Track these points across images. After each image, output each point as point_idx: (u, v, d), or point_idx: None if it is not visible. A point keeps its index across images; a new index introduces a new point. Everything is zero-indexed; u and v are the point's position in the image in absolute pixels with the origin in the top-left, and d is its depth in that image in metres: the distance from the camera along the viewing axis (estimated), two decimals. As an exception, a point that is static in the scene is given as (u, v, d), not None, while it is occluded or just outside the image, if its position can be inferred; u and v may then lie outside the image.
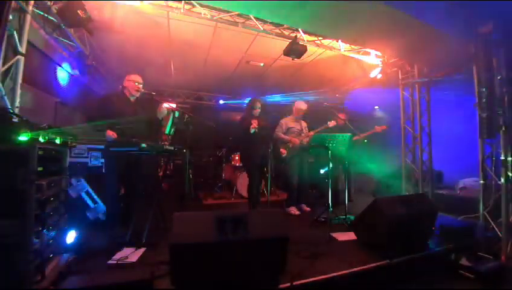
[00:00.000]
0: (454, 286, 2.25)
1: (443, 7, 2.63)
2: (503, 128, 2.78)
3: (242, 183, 4.95)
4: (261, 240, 1.69)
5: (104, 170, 3.03)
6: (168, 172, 4.90)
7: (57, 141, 1.89)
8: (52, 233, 1.79)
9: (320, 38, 4.04)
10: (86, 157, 3.48)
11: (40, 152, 1.60)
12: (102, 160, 3.27)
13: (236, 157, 5.57)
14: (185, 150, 2.99)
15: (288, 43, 3.74)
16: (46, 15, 2.91)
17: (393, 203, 2.46)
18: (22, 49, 2.41)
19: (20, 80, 2.39)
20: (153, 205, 2.61)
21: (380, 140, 4.78)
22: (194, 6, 3.25)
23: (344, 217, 3.29)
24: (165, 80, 5.97)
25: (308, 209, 4.08)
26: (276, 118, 4.27)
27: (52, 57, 3.61)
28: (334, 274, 1.96)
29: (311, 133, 3.98)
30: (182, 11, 3.18)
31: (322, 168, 5.24)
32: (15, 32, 2.33)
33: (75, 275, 1.83)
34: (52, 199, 1.77)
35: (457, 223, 3.20)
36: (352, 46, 4.26)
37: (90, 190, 3.28)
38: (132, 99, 2.93)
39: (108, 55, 4.50)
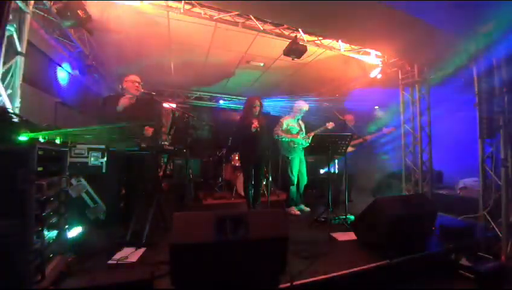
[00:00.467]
0: (454, 286, 2.25)
1: (443, 7, 2.63)
2: (503, 128, 2.78)
3: (242, 183, 4.95)
4: (261, 240, 1.69)
5: (104, 170, 3.04)
6: (168, 172, 4.90)
7: (57, 141, 1.89)
8: (52, 233, 1.79)
9: (320, 38, 4.04)
10: (86, 157, 3.47)
11: (40, 152, 1.60)
12: (103, 160, 3.27)
13: (236, 158, 5.57)
14: (185, 150, 2.99)
15: (288, 43, 3.74)
16: (46, 15, 2.91)
17: (393, 203, 2.46)
18: (22, 49, 2.41)
19: (20, 80, 2.39)
20: (153, 205, 2.61)
21: (381, 140, 4.79)
22: (194, 6, 3.25)
23: (344, 217, 3.29)
24: (165, 80, 5.97)
25: (307, 209, 4.08)
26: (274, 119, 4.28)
27: (52, 57, 3.61)
28: (334, 274, 1.96)
29: (311, 134, 3.98)
30: (181, 11, 3.18)
31: (322, 168, 5.25)
32: (15, 32, 2.33)
33: (75, 275, 1.82)
34: (52, 199, 1.77)
35: (457, 223, 3.20)
36: (352, 46, 4.26)
37: (90, 190, 3.28)
38: (133, 100, 2.94)
39: (108, 55, 4.50)
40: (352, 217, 3.30)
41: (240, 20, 3.48)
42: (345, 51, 4.25)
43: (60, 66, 3.86)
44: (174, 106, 4.03)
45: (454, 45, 3.26)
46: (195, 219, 1.71)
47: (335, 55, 4.50)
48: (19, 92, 2.38)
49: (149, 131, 2.87)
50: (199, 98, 7.21)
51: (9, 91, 2.31)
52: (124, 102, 2.78)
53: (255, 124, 3.50)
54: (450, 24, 2.89)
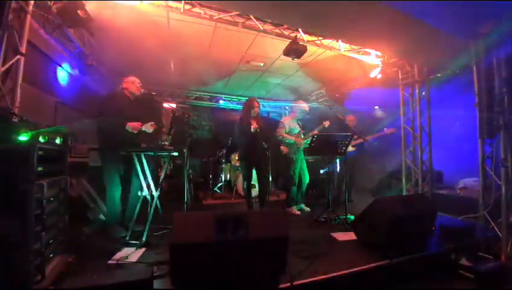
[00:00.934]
0: (454, 286, 2.25)
1: (443, 7, 2.62)
2: (503, 128, 2.78)
3: (242, 183, 4.95)
4: (261, 240, 1.69)
5: (104, 170, 3.04)
6: (168, 172, 4.89)
7: (57, 141, 1.89)
8: (52, 233, 1.79)
9: (320, 38, 4.03)
10: (86, 157, 3.48)
11: (40, 152, 1.60)
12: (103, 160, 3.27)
13: (236, 158, 5.58)
14: (185, 150, 2.99)
15: (288, 43, 3.73)
16: (46, 15, 2.91)
17: (393, 203, 2.46)
18: (22, 49, 2.41)
19: (20, 80, 2.39)
20: (153, 205, 2.61)
21: (380, 140, 4.79)
22: (194, 6, 3.25)
23: (344, 217, 3.29)
24: (165, 80, 5.97)
25: (308, 209, 4.08)
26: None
27: (52, 57, 3.61)
28: (334, 274, 1.96)
29: (315, 132, 3.99)
30: (181, 11, 3.17)
31: (322, 168, 5.25)
32: (15, 32, 2.33)
33: (75, 275, 1.82)
34: (52, 199, 1.77)
35: (457, 223, 3.20)
36: (352, 46, 4.25)
37: (91, 190, 3.28)
38: (132, 98, 2.95)
39: (108, 55, 4.49)
40: (352, 217, 3.30)
41: (240, 20, 3.48)
42: (345, 51, 4.24)
43: (60, 66, 3.86)
44: (174, 106, 4.03)
45: (454, 45, 3.26)
46: (195, 219, 1.71)
47: (335, 55, 4.49)
48: (19, 92, 2.38)
49: (151, 128, 2.85)
50: (199, 98, 7.20)
51: (9, 91, 2.31)
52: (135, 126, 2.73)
53: (254, 124, 3.50)
54: (450, 24, 2.89)
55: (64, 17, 2.87)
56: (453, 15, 2.70)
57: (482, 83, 2.90)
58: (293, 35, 3.71)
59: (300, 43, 3.72)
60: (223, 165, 5.96)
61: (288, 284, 1.76)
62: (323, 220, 3.31)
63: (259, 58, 4.91)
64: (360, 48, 4.29)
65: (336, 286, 1.94)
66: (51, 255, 1.77)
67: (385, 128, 4.43)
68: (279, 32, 3.75)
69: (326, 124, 3.97)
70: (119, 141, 2.64)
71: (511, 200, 2.73)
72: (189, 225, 1.64)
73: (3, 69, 2.23)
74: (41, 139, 1.65)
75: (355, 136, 3.98)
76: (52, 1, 2.89)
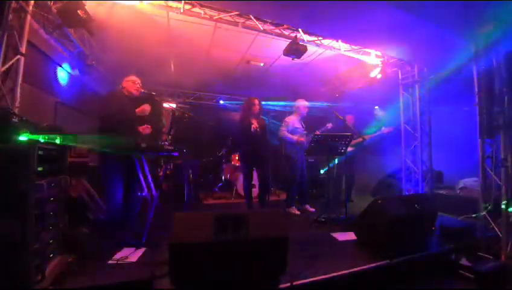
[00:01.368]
0: (454, 286, 2.25)
1: (443, 7, 2.62)
2: (503, 128, 2.78)
3: (242, 183, 4.95)
4: (261, 240, 1.69)
5: (104, 170, 3.04)
6: (168, 172, 4.90)
7: (57, 141, 1.89)
8: (52, 233, 1.79)
9: (320, 38, 4.03)
10: (86, 157, 3.48)
11: (40, 152, 1.60)
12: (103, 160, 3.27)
13: (236, 158, 5.58)
14: (185, 150, 3.00)
15: (288, 43, 3.73)
16: (46, 15, 2.91)
17: (393, 203, 2.46)
18: (22, 49, 2.41)
19: (20, 80, 2.39)
20: (153, 205, 2.61)
21: (380, 140, 4.79)
22: (194, 6, 3.25)
23: (344, 217, 3.29)
24: (165, 80, 5.97)
25: (312, 209, 4.07)
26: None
27: (52, 57, 3.61)
28: (334, 274, 1.96)
29: (318, 132, 4.00)
30: (181, 11, 3.17)
31: (322, 168, 5.25)
32: (15, 32, 2.33)
33: (75, 275, 1.82)
34: (52, 199, 1.77)
35: (457, 223, 3.20)
36: (352, 46, 4.25)
37: (90, 190, 3.28)
38: (132, 98, 2.95)
39: (108, 55, 4.50)
40: (352, 217, 3.30)
41: (240, 20, 3.48)
42: (345, 51, 4.24)
43: (60, 66, 3.86)
44: (174, 106, 4.03)
45: (454, 45, 3.26)
46: (195, 218, 1.71)
47: (335, 55, 4.49)
48: (19, 92, 2.38)
49: (147, 130, 2.86)
50: (199, 98, 7.20)
51: (9, 91, 2.31)
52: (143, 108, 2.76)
53: (255, 124, 3.50)
54: (450, 24, 2.89)
55: (64, 17, 2.87)
56: (453, 15, 2.70)
57: (482, 83, 2.90)
58: (293, 35, 3.71)
59: (300, 43, 3.72)
60: (223, 165, 5.96)
61: (288, 284, 1.76)
62: (323, 220, 3.31)
63: (259, 58, 4.91)
64: (360, 48, 4.29)
65: (336, 286, 1.94)
66: (51, 255, 1.77)
67: (383, 128, 4.42)
68: (279, 32, 3.75)
69: (330, 126, 3.98)
70: (119, 141, 2.64)
71: (511, 200, 2.73)
72: (189, 225, 1.64)
73: (3, 69, 2.23)
74: (41, 139, 1.65)
75: (355, 136, 3.98)
76: (52, 1, 2.89)
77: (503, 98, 2.76)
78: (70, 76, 4.15)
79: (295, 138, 3.94)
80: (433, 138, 4.27)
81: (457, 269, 2.37)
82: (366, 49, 4.36)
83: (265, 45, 4.26)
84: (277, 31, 3.73)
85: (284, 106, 7.92)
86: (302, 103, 4.13)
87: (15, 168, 1.43)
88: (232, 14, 3.38)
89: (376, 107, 5.97)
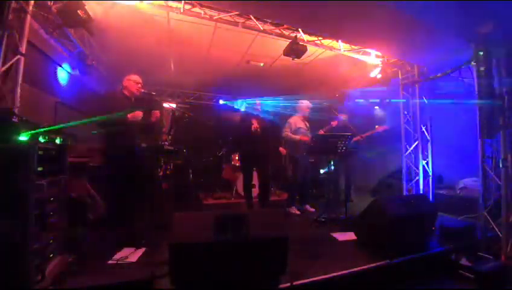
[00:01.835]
0: (454, 286, 2.25)
1: (443, 7, 2.62)
2: (503, 128, 2.78)
3: (242, 183, 4.95)
4: (261, 240, 1.69)
5: (104, 170, 3.04)
6: (168, 172, 4.90)
7: (57, 141, 1.89)
8: (52, 233, 1.79)
9: (320, 38, 4.03)
10: (86, 157, 3.47)
11: (40, 152, 1.60)
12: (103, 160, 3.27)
13: (236, 158, 5.57)
14: (185, 150, 2.99)
15: (288, 43, 3.73)
16: (46, 15, 2.91)
17: (393, 203, 2.46)
18: (22, 49, 2.41)
19: (20, 80, 2.39)
20: (153, 205, 2.61)
21: (380, 140, 4.79)
22: (194, 6, 3.25)
23: (344, 217, 3.29)
24: (165, 80, 5.97)
25: (312, 209, 4.08)
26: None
27: (52, 57, 3.61)
28: (334, 274, 1.96)
29: (322, 131, 4.01)
30: (181, 11, 3.17)
31: (323, 168, 5.25)
32: (15, 32, 2.33)
33: (75, 275, 1.83)
34: (52, 199, 1.77)
35: (457, 223, 3.20)
36: (352, 46, 4.25)
37: (90, 190, 3.27)
38: (133, 99, 2.95)
39: (108, 55, 4.50)
40: (352, 217, 3.30)
41: (240, 20, 3.48)
42: (345, 51, 4.24)
43: (60, 66, 3.85)
44: (174, 106, 4.03)
45: (454, 45, 3.26)
46: (195, 219, 1.71)
47: (335, 55, 4.49)
48: (19, 92, 2.38)
49: (138, 115, 2.79)
50: (199, 98, 7.20)
51: (9, 91, 2.31)
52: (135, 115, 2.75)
53: (255, 124, 3.50)
54: (450, 24, 2.89)
55: (64, 17, 2.87)
56: (453, 15, 2.70)
57: (482, 83, 2.90)
58: (293, 35, 3.71)
59: (300, 43, 3.72)
60: (223, 165, 5.95)
61: (288, 284, 1.76)
62: (323, 220, 3.31)
63: (259, 58, 4.91)
64: (360, 48, 4.29)
65: (336, 286, 1.94)
66: (51, 255, 1.77)
67: (376, 126, 4.40)
68: (279, 32, 3.75)
69: (334, 123, 3.99)
70: (119, 142, 2.64)
71: (511, 200, 2.73)
72: (189, 225, 1.65)
73: (3, 69, 2.23)
74: (41, 139, 1.65)
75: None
76: (52, 1, 2.89)
77: (503, 98, 2.77)
78: (70, 76, 4.15)
79: (298, 137, 3.95)
80: (433, 138, 4.27)
81: (457, 269, 2.37)
82: (366, 49, 4.36)
83: (265, 45, 4.26)
84: (277, 31, 3.73)
85: (285, 106, 7.95)
86: (305, 103, 4.14)
87: (15, 168, 1.43)
88: (232, 14, 3.38)
89: (376, 107, 5.98)
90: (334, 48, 4.18)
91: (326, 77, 5.67)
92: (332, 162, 3.77)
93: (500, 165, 2.80)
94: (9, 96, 2.30)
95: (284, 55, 3.92)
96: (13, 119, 1.65)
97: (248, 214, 1.79)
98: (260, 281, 1.75)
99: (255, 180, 3.89)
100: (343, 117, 4.49)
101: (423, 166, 4.30)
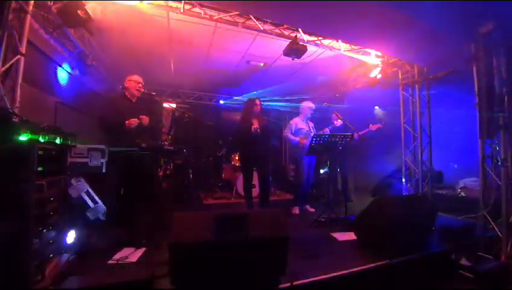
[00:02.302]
0: (454, 286, 2.25)
1: (443, 7, 2.62)
2: (503, 128, 2.78)
3: (242, 183, 4.95)
4: (261, 240, 1.69)
5: (104, 170, 3.03)
6: (168, 172, 4.90)
7: (57, 141, 1.89)
8: (52, 233, 1.79)
9: (320, 38, 4.03)
10: (86, 157, 3.47)
11: (40, 152, 1.60)
12: (103, 160, 3.27)
13: (236, 158, 5.57)
14: (185, 150, 3.00)
15: (288, 43, 3.73)
16: (46, 15, 2.91)
17: (393, 203, 2.46)
18: (22, 49, 2.40)
19: (20, 80, 2.39)
20: (153, 205, 2.61)
21: (380, 140, 4.79)
22: (194, 6, 3.25)
23: (344, 217, 3.29)
24: (165, 80, 5.97)
25: (312, 209, 4.09)
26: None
27: (52, 57, 3.61)
28: (334, 274, 1.96)
29: (327, 130, 4.01)
30: (181, 11, 3.17)
31: (322, 168, 5.25)
32: (15, 32, 2.33)
33: (75, 275, 1.82)
34: (52, 199, 1.77)
35: (457, 223, 3.20)
36: (352, 46, 4.25)
37: (90, 190, 3.27)
38: (133, 99, 2.96)
39: (108, 55, 4.50)
40: (352, 217, 3.30)
41: (240, 20, 3.48)
42: (345, 51, 4.24)
43: (60, 66, 3.85)
44: (174, 106, 4.04)
45: (454, 45, 3.26)
46: (195, 219, 1.71)
47: (335, 55, 4.49)
48: (19, 92, 2.38)
49: (146, 120, 2.84)
50: (199, 98, 7.20)
51: (9, 91, 2.31)
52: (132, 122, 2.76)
53: (255, 124, 3.50)
54: (450, 24, 2.89)
55: (64, 17, 2.87)
56: (452, 15, 2.70)
57: (482, 83, 2.90)
58: (293, 35, 3.71)
59: (300, 43, 3.72)
60: (223, 165, 5.95)
61: (288, 284, 1.76)
62: (323, 220, 3.31)
63: (259, 58, 4.91)
64: (360, 48, 4.29)
65: (336, 286, 1.94)
66: (51, 255, 1.77)
67: (370, 125, 4.38)
68: (279, 32, 3.75)
69: (338, 123, 3.99)
70: (119, 142, 2.65)
71: (511, 200, 2.73)
72: (189, 225, 1.65)
73: (3, 69, 2.23)
74: (41, 139, 1.65)
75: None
76: (52, 1, 2.89)
77: (503, 98, 2.77)
78: (70, 76, 4.15)
79: (297, 138, 3.95)
80: (433, 138, 4.27)
81: (457, 269, 2.37)
82: (366, 49, 4.36)
83: (265, 45, 4.26)
84: (277, 31, 3.73)
85: (285, 106, 7.96)
86: (306, 104, 4.14)
87: (15, 168, 1.43)
88: (232, 14, 3.38)
89: (376, 107, 5.98)
90: (334, 48, 4.18)
91: (326, 77, 5.67)
92: (328, 163, 3.78)
93: (500, 165, 2.81)
94: (9, 96, 2.29)
95: (284, 55, 3.92)
96: (13, 119, 1.65)
97: (248, 214, 1.79)
98: (260, 281, 1.75)
99: (255, 180, 3.89)
100: (340, 117, 4.48)
101: (423, 166, 4.30)
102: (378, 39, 3.54)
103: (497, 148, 2.91)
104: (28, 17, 2.46)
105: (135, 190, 2.90)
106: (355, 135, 4.04)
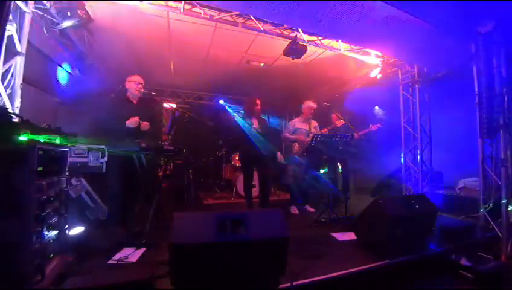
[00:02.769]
0: (454, 286, 2.25)
1: (443, 7, 2.62)
2: (503, 128, 2.78)
3: (242, 183, 4.95)
4: (261, 239, 1.69)
5: (104, 170, 3.04)
6: (168, 172, 4.90)
7: (57, 141, 1.89)
8: (52, 233, 1.79)
9: (320, 38, 4.03)
10: (86, 157, 3.47)
11: (40, 152, 1.60)
12: (103, 160, 3.27)
13: (236, 158, 5.57)
14: (185, 150, 3.00)
15: (288, 43, 3.73)
16: (46, 15, 2.91)
17: (393, 203, 2.46)
18: (22, 49, 2.41)
19: (20, 80, 2.39)
20: (153, 205, 2.61)
21: (380, 140, 4.78)
22: (194, 6, 3.25)
23: (344, 217, 3.29)
24: (165, 80, 5.97)
25: (312, 209, 4.09)
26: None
27: (52, 57, 3.61)
28: (334, 274, 1.96)
29: (325, 130, 4.01)
30: (181, 11, 3.18)
31: (322, 168, 5.24)
32: (15, 32, 2.33)
33: (75, 275, 1.82)
34: (52, 199, 1.77)
35: (457, 223, 3.20)
36: (352, 46, 4.25)
37: (90, 190, 3.27)
38: (134, 100, 2.96)
39: (108, 55, 4.50)
40: (352, 217, 3.30)
41: (240, 20, 3.48)
42: (345, 51, 4.24)
43: (60, 66, 3.85)
44: (174, 106, 4.04)
45: (454, 45, 3.26)
46: (195, 219, 1.71)
47: (335, 55, 4.49)
48: (19, 92, 2.38)
49: (145, 126, 2.86)
50: (199, 98, 7.20)
51: (9, 91, 2.31)
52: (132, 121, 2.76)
53: (255, 124, 3.50)
54: (450, 24, 2.89)
55: (64, 17, 2.87)
56: (452, 15, 2.70)
57: (482, 83, 2.90)
58: (293, 35, 3.71)
59: (300, 43, 3.72)
60: (223, 165, 5.95)
61: (288, 284, 1.76)
62: (323, 220, 3.31)
63: (259, 58, 4.91)
64: (360, 48, 4.29)
65: (336, 286, 1.94)
66: (51, 255, 1.77)
67: (370, 125, 4.37)
68: (279, 32, 3.75)
69: (339, 123, 3.99)
70: (119, 142, 2.65)
71: (511, 200, 2.73)
72: (189, 225, 1.64)
73: (3, 69, 2.23)
74: (41, 139, 1.65)
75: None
76: (52, 1, 2.89)
77: (503, 98, 2.77)
78: (70, 76, 4.15)
79: (293, 137, 3.96)
80: (433, 138, 4.27)
81: (457, 269, 2.37)
82: (366, 49, 4.36)
83: (265, 45, 4.26)
84: (277, 31, 3.73)
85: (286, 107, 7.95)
86: (306, 104, 4.14)
87: (15, 168, 1.43)
88: (232, 14, 3.38)
89: (376, 107, 5.97)
90: (334, 48, 4.18)
91: (327, 76, 5.67)
92: (332, 162, 3.78)
93: (500, 165, 2.81)
94: (9, 96, 2.30)
95: (284, 55, 3.92)
96: (13, 119, 1.65)
97: (248, 214, 1.79)
98: (260, 281, 1.75)
99: (255, 180, 3.89)
100: (341, 116, 4.48)
101: (423, 166, 4.30)
102: (379, 39, 3.54)
103: (497, 148, 2.91)
104: (28, 17, 2.47)
105: (135, 190, 2.90)
106: (356, 135, 4.04)
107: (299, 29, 3.80)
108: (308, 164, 4.13)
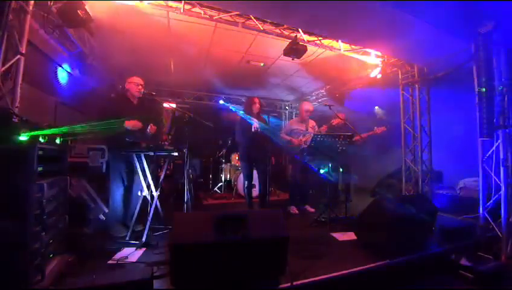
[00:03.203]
0: (454, 286, 2.25)
1: (443, 7, 2.63)
2: (503, 128, 2.78)
3: (242, 183, 4.95)
4: (261, 240, 1.69)
5: (104, 170, 3.04)
6: (168, 172, 4.90)
7: (57, 141, 1.89)
8: (52, 233, 1.79)
9: (320, 38, 4.03)
10: (86, 157, 3.47)
11: (40, 152, 1.60)
12: (103, 160, 3.28)
13: (236, 158, 5.58)
14: (185, 150, 3.00)
15: (288, 43, 3.73)
16: (46, 15, 2.91)
17: (393, 203, 2.46)
18: (22, 49, 2.41)
19: (20, 80, 2.39)
20: (153, 205, 2.61)
21: (380, 140, 4.78)
22: (194, 6, 3.25)
23: (344, 217, 3.29)
24: (165, 80, 5.97)
25: (312, 209, 4.09)
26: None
27: (52, 57, 3.61)
28: (334, 274, 1.96)
29: (324, 128, 4.01)
30: (181, 11, 3.17)
31: (322, 168, 5.24)
32: (15, 32, 2.33)
33: (75, 275, 1.82)
34: (52, 199, 1.77)
35: (457, 223, 3.20)
36: (352, 46, 4.25)
37: (90, 190, 3.27)
38: (134, 101, 2.97)
39: (108, 55, 4.50)
40: (352, 217, 3.30)
41: (240, 20, 3.48)
42: (345, 51, 4.24)
43: (60, 66, 3.85)
44: (174, 106, 4.04)
45: (454, 45, 3.26)
46: (195, 219, 1.71)
47: (335, 55, 4.49)
48: (19, 92, 2.38)
49: (152, 129, 2.88)
50: (199, 98, 7.20)
51: (9, 91, 2.31)
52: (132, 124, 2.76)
53: (255, 124, 3.50)
54: (450, 24, 2.89)
55: (64, 17, 2.87)
56: (452, 15, 2.70)
57: (482, 83, 2.90)
58: (293, 35, 3.71)
59: (300, 43, 3.72)
60: (223, 165, 5.96)
61: (288, 284, 1.76)
62: (323, 220, 3.31)
63: (259, 58, 4.91)
64: (360, 48, 4.29)
65: (336, 286, 1.94)
66: (51, 255, 1.77)
67: (375, 128, 4.37)
68: (279, 32, 3.75)
69: (335, 122, 3.99)
70: (120, 141, 2.65)
71: (511, 200, 2.73)
72: (189, 225, 1.65)
73: (3, 69, 2.23)
74: (41, 139, 1.65)
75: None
76: (52, 1, 2.89)
77: (503, 98, 2.77)
78: (70, 76, 4.15)
79: (288, 138, 3.97)
80: (433, 138, 4.27)
81: (457, 269, 2.37)
82: (366, 49, 4.35)
83: (265, 45, 4.26)
84: (277, 31, 3.73)
85: (284, 107, 7.96)
86: (303, 106, 4.14)
87: (15, 168, 1.43)
88: (232, 14, 3.38)
89: (376, 107, 5.97)
90: (334, 48, 4.18)
91: (327, 76, 5.67)
92: (332, 163, 3.78)
93: (500, 165, 2.81)
94: (9, 96, 2.30)
95: (284, 55, 3.92)
96: (13, 119, 1.65)
97: (248, 214, 1.79)
98: (260, 281, 1.75)
99: (255, 180, 3.89)
100: (342, 117, 4.48)
101: (423, 166, 4.30)
102: (379, 39, 3.54)
103: (497, 148, 2.91)
104: (28, 17, 2.46)
105: (135, 190, 2.90)
106: (359, 138, 4.05)
107: (299, 29, 3.80)
108: (308, 164, 4.14)
